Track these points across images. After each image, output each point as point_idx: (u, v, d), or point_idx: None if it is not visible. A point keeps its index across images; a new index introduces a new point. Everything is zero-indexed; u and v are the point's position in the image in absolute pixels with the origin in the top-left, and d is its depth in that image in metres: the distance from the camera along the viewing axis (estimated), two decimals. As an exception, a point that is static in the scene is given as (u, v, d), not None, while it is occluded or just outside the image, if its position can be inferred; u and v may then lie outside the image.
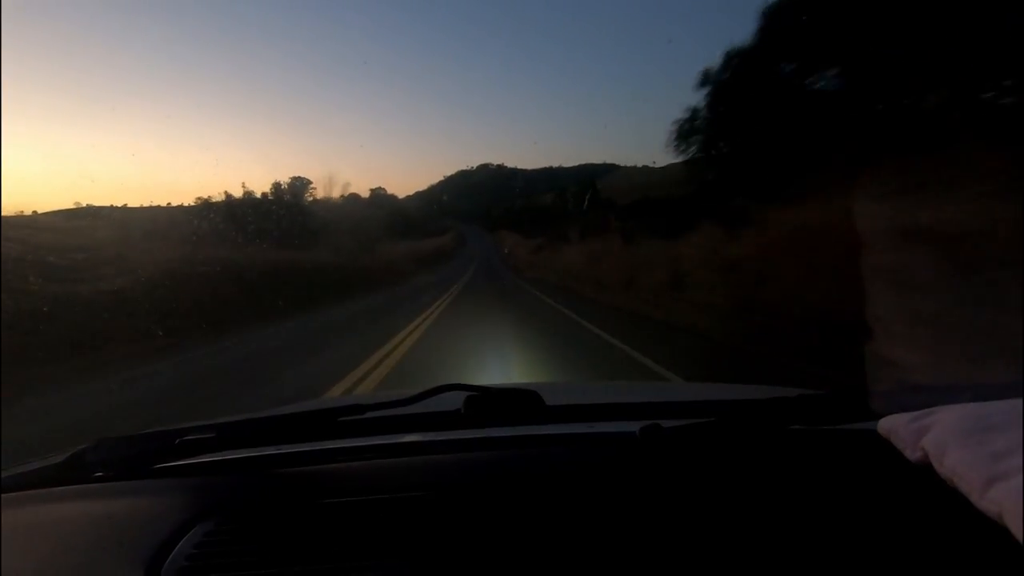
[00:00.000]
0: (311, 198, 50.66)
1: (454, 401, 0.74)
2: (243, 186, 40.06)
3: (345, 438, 0.78)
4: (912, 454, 0.54)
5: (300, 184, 52.66)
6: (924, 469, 0.52)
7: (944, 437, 0.50)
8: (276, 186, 48.23)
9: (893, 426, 0.57)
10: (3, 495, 0.69)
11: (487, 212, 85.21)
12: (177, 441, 0.71)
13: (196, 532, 0.59)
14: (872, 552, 0.52)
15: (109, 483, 0.71)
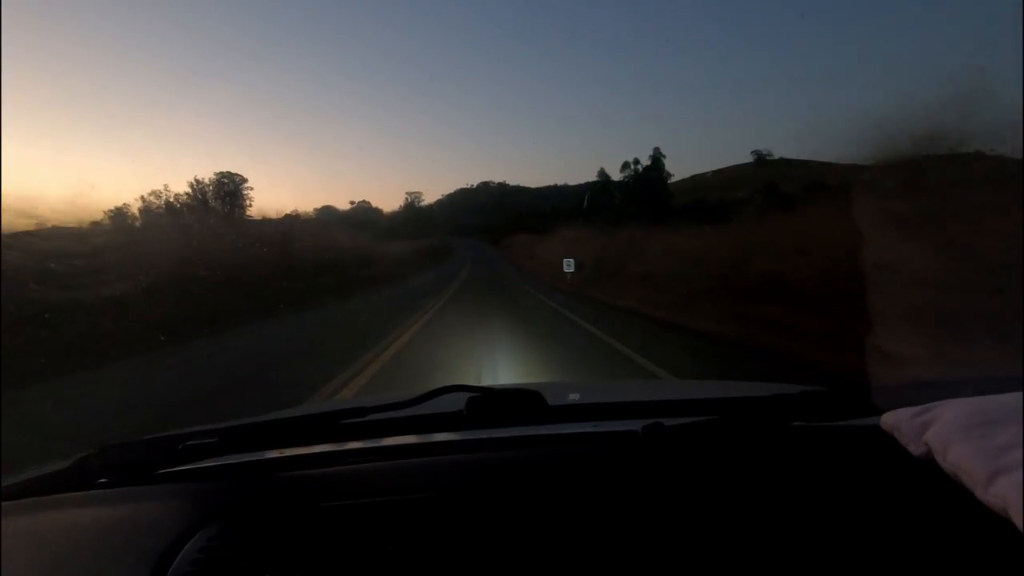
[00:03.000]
0: (249, 204, 38.32)
1: (456, 402, 0.74)
2: (165, 188, 30.93)
3: (348, 441, 0.78)
4: (915, 449, 0.54)
5: (231, 182, 38.51)
6: (928, 464, 0.52)
7: (947, 432, 0.50)
8: (196, 185, 35.01)
9: (896, 421, 0.57)
10: (6, 502, 0.69)
11: (487, 224, 75.53)
12: (180, 446, 0.71)
13: (200, 537, 0.59)
14: (877, 547, 0.52)
15: (113, 489, 0.71)
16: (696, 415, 0.74)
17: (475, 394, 0.74)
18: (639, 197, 41.37)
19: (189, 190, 35.89)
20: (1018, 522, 0.40)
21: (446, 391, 0.75)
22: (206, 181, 37.71)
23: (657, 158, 47.28)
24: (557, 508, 0.60)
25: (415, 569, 0.53)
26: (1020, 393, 0.51)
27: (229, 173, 41.02)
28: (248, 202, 40.21)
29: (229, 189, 39.12)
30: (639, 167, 47.60)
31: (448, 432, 0.81)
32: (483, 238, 66.12)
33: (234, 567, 0.55)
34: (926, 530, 0.54)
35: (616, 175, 49.73)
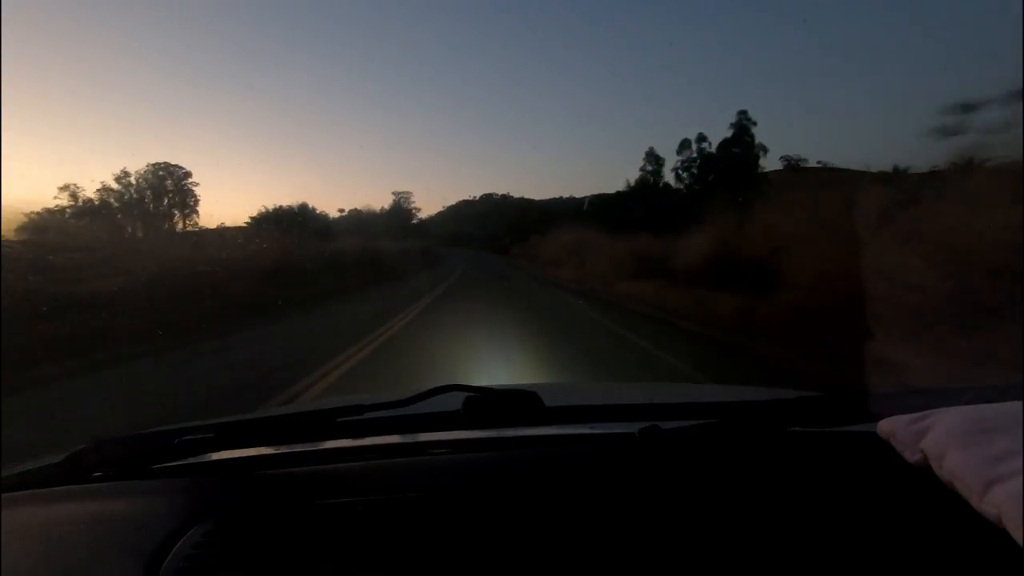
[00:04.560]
0: (195, 202, 30.40)
1: (453, 402, 0.74)
2: (100, 184, 24.47)
3: (344, 438, 0.78)
4: (911, 456, 0.54)
5: (170, 176, 30.97)
6: (923, 471, 0.52)
7: (943, 439, 0.50)
8: (122, 178, 27.50)
9: (892, 428, 0.57)
10: (2, 495, 0.69)
11: (490, 232, 63.36)
12: (176, 441, 0.70)
13: (195, 532, 0.59)
14: (871, 554, 0.52)
15: (108, 483, 0.71)
16: (693, 418, 0.74)
17: (472, 394, 0.74)
18: (716, 184, 25.37)
19: (116, 185, 27.92)
20: (1013, 531, 0.41)
21: (443, 390, 0.75)
22: (135, 174, 29.15)
23: (744, 126, 28.46)
24: (552, 510, 0.60)
25: (409, 568, 0.53)
26: (1018, 402, 0.51)
27: (167, 164, 31.61)
28: (194, 201, 31.69)
29: (168, 186, 30.64)
30: (707, 145, 30.46)
31: (445, 431, 0.81)
32: (485, 246, 53.80)
33: (228, 563, 0.55)
34: (921, 537, 0.54)
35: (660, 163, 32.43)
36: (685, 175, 31.52)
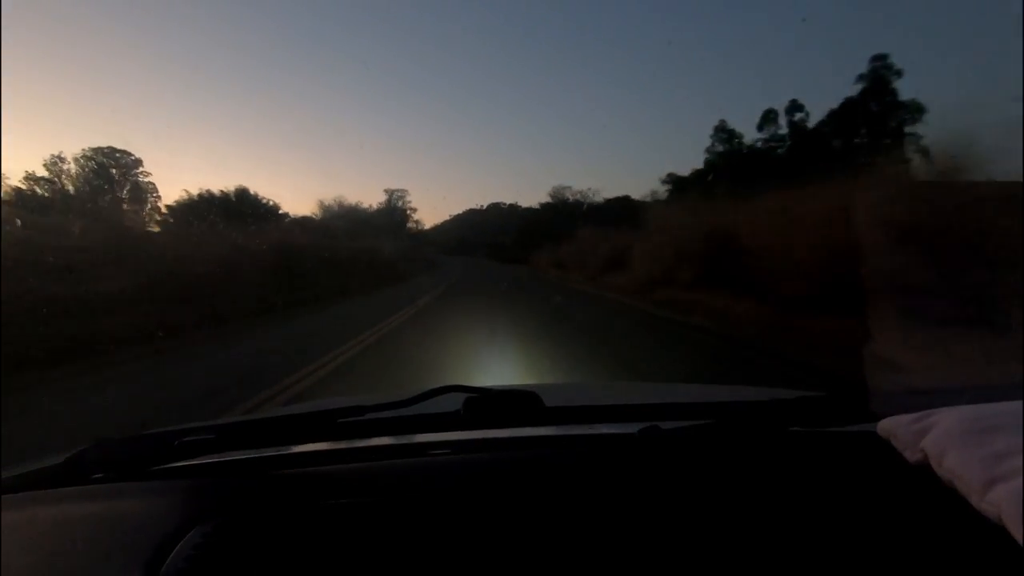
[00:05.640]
0: (156, 198, 25.71)
1: (453, 402, 0.75)
2: (47, 166, 20.41)
3: (345, 439, 0.78)
4: (912, 455, 0.54)
5: (115, 163, 26.22)
6: (924, 471, 0.52)
7: (944, 439, 0.50)
8: (54, 164, 23.55)
9: (893, 427, 0.57)
10: (3, 496, 0.69)
11: (498, 240, 58.11)
12: (176, 442, 0.71)
13: (195, 534, 0.59)
14: (872, 553, 0.52)
15: (108, 484, 0.71)
16: (693, 419, 0.74)
17: (472, 394, 0.75)
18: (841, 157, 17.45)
19: (45, 173, 23.49)
20: (1014, 530, 0.41)
21: (444, 391, 0.75)
22: (71, 160, 24.56)
23: (881, 79, 19.01)
24: (553, 510, 0.60)
25: (411, 570, 0.53)
26: (1018, 401, 0.51)
27: (112, 149, 26.16)
28: (153, 195, 26.75)
29: (115, 176, 25.80)
30: (803, 115, 22.30)
31: (445, 432, 0.81)
32: (490, 254, 47.12)
33: (228, 564, 0.55)
34: (921, 536, 0.54)
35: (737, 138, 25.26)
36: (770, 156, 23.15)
